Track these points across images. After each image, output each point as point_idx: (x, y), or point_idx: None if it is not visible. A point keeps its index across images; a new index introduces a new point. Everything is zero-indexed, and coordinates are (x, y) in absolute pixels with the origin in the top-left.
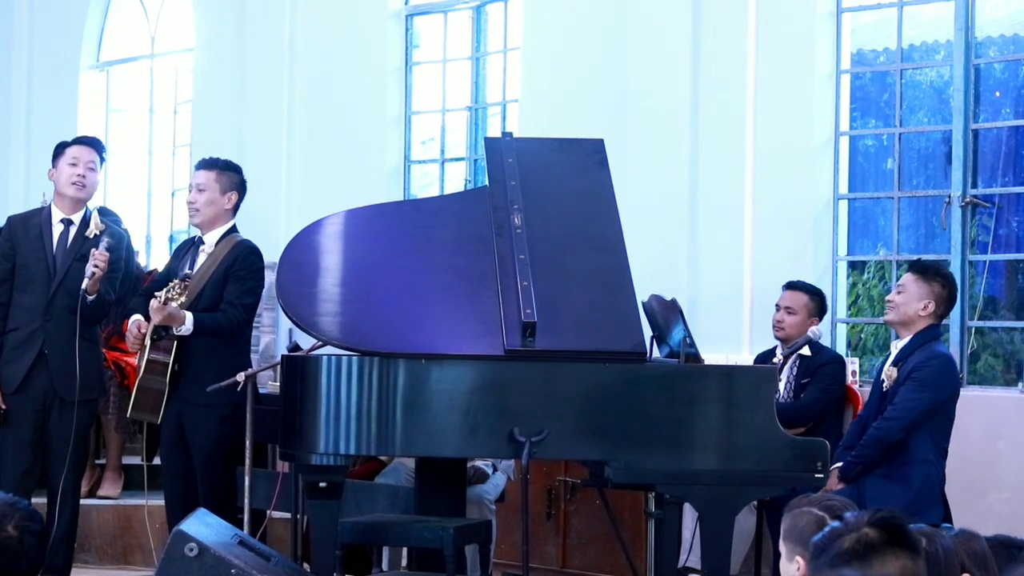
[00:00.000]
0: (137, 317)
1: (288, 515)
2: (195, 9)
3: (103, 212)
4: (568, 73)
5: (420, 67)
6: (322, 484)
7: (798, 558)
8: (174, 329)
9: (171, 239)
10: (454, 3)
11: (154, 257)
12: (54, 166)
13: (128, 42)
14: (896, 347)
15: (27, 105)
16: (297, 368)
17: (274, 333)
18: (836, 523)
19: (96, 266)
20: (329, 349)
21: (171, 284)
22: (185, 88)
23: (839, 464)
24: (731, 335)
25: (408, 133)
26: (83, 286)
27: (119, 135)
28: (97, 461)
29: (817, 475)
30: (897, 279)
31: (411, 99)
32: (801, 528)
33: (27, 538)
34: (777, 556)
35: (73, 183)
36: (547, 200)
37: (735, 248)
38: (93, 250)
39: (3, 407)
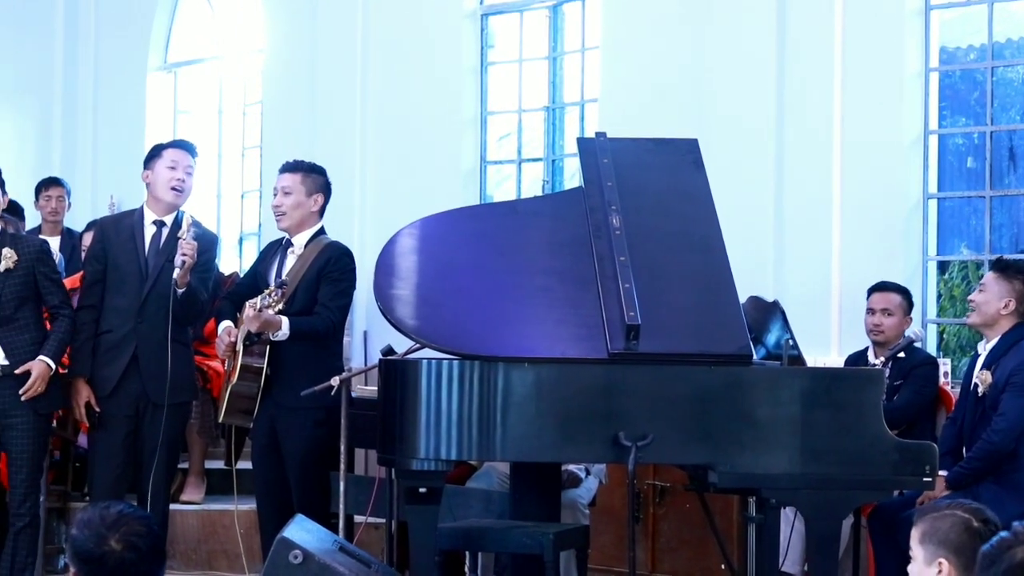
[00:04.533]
0: (227, 324)
1: (380, 520)
2: (266, 10)
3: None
4: (648, 72)
5: (496, 67)
6: (422, 490)
7: (942, 561)
8: (269, 334)
9: (240, 241)
10: (530, 2)
11: (225, 260)
12: (148, 168)
13: (195, 43)
14: (985, 349)
15: (94, 107)
16: (396, 372)
17: (350, 336)
18: (1005, 534)
19: (185, 255)
20: (427, 352)
21: (267, 291)
22: (254, 89)
23: (944, 472)
24: (819, 337)
25: (484, 134)
26: (174, 277)
27: (187, 137)
28: (180, 466)
29: (925, 479)
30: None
31: (487, 99)
32: (945, 531)
33: (128, 554)
34: (880, 560)
35: (173, 187)
36: (644, 201)
37: (823, 249)
38: (181, 241)
39: (97, 411)
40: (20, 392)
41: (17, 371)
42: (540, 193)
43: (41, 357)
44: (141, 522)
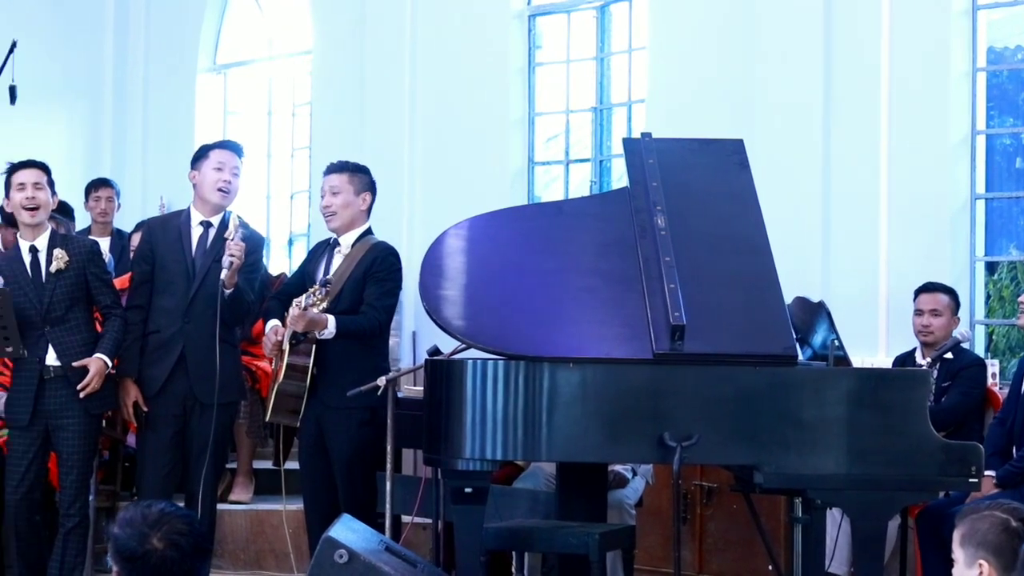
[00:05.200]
0: (274, 323)
1: (426, 520)
2: (313, 11)
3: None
4: (695, 72)
5: (543, 68)
6: (467, 490)
7: (982, 562)
8: (316, 333)
9: (290, 242)
10: (577, 3)
11: (274, 260)
12: (195, 169)
13: (245, 45)
14: None
15: (144, 108)
16: (442, 372)
17: (398, 336)
18: None
19: (232, 255)
20: (473, 352)
21: (311, 290)
22: (303, 90)
23: (991, 472)
24: (867, 337)
25: (531, 134)
26: (221, 277)
27: (236, 138)
28: (228, 466)
29: (971, 480)
30: None
31: (534, 100)
32: (984, 532)
33: (171, 552)
34: (927, 561)
35: (219, 189)
36: (690, 201)
37: (870, 249)
38: (228, 241)
39: (145, 410)
40: (78, 387)
41: (75, 364)
42: (587, 194)
43: (98, 355)
44: (183, 520)
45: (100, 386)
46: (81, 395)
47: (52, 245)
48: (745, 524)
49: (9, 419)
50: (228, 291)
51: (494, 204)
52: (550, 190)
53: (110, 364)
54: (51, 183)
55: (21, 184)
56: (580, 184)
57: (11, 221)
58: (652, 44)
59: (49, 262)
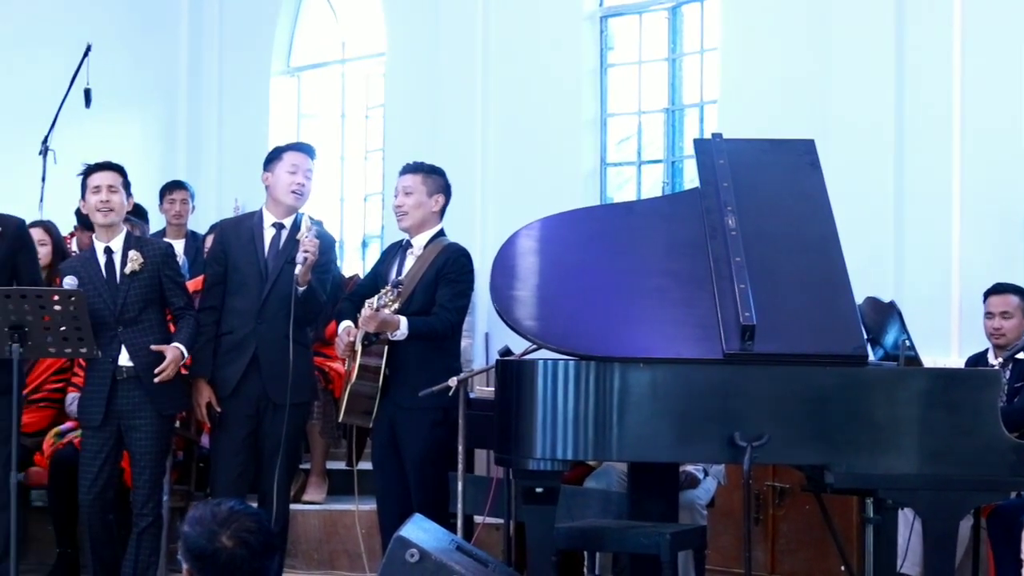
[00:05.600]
0: (347, 324)
1: (498, 520)
2: (387, 14)
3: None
4: (767, 73)
5: (615, 69)
6: (538, 489)
7: None
8: (388, 334)
9: (364, 243)
10: (649, 4)
11: (347, 262)
12: (268, 171)
13: (318, 47)
14: None
15: (218, 111)
16: (513, 372)
17: (471, 338)
18: None
19: (307, 251)
20: (543, 353)
21: (383, 291)
22: (376, 92)
23: None
24: (940, 337)
25: (604, 135)
26: (295, 273)
27: (310, 140)
28: (301, 466)
29: None
30: None
31: (606, 101)
32: None
33: (240, 550)
34: (1000, 561)
35: (293, 191)
36: (760, 202)
37: (942, 249)
38: (303, 238)
39: (218, 411)
40: (155, 372)
41: (153, 347)
42: (659, 195)
43: (175, 344)
44: (252, 519)
45: (174, 375)
46: (156, 379)
47: (127, 247)
48: (817, 525)
49: (82, 419)
50: (301, 288)
51: (566, 206)
52: (622, 191)
53: (186, 354)
54: (127, 185)
55: (96, 186)
56: (652, 185)
57: (86, 224)
58: (724, 44)
59: (124, 264)
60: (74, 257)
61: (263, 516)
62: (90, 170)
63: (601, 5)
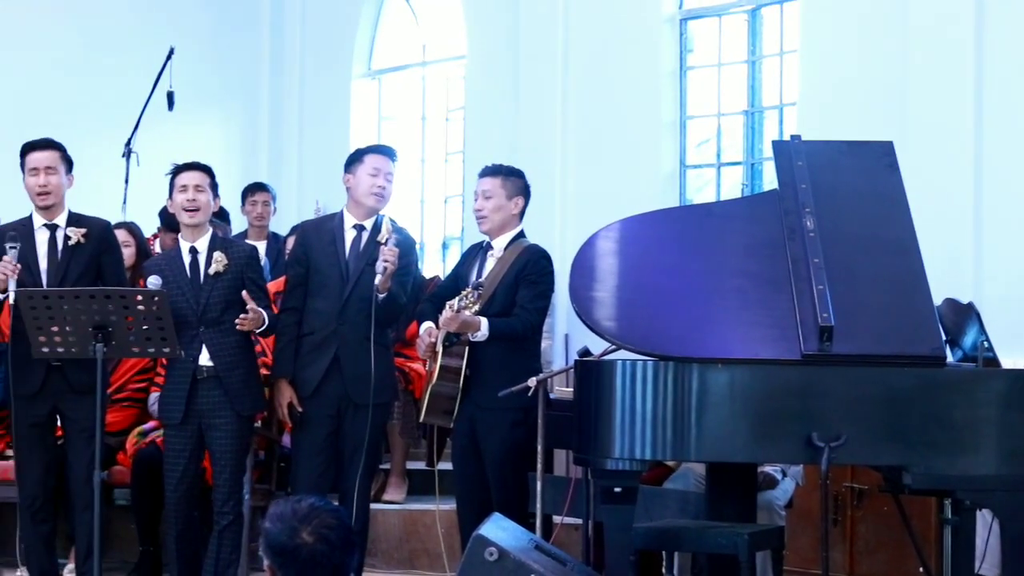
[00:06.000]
0: (428, 325)
1: (577, 521)
2: (467, 17)
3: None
4: (847, 75)
5: (695, 71)
6: (617, 489)
7: None
8: (469, 335)
9: (444, 246)
10: (728, 6)
11: (428, 264)
12: (350, 172)
13: (399, 50)
14: None
15: (299, 113)
16: (591, 373)
17: (551, 339)
18: None
19: (387, 261)
20: (622, 353)
21: (464, 293)
22: (457, 95)
23: None
24: (1018, 339)
25: (683, 137)
26: (375, 282)
27: (390, 143)
28: (381, 466)
29: None
30: None
31: (686, 103)
32: None
33: (320, 546)
34: None
35: (374, 193)
36: (838, 203)
37: (1022, 250)
38: (382, 247)
39: (299, 411)
40: (235, 321)
41: (244, 294)
42: (738, 197)
43: (261, 308)
44: (332, 515)
45: (251, 327)
46: (235, 322)
47: (212, 248)
48: (896, 526)
49: (163, 417)
50: (381, 295)
51: (645, 207)
52: (702, 194)
53: (266, 321)
54: (214, 186)
55: (184, 186)
56: (732, 187)
57: (170, 225)
58: (803, 47)
59: (208, 264)
60: (159, 256)
61: (343, 512)
62: (178, 169)
63: (681, 7)
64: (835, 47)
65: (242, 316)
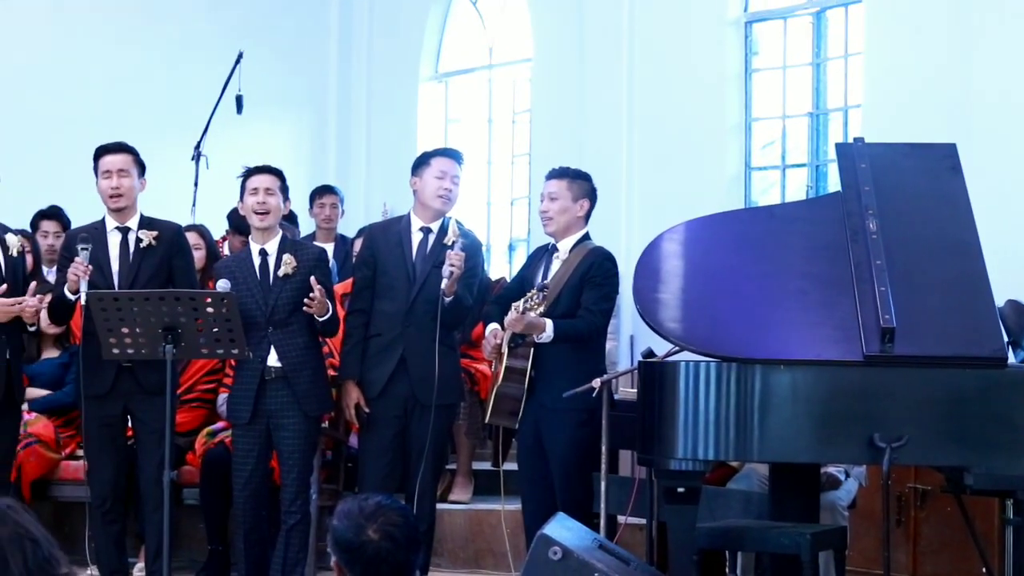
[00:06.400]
0: (494, 326)
1: (641, 520)
2: (533, 19)
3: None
4: (912, 77)
5: (760, 73)
6: (680, 489)
7: None
8: (534, 336)
9: (510, 248)
10: (794, 9)
11: (494, 266)
12: (416, 175)
13: (465, 53)
14: None
15: (367, 116)
16: (655, 374)
17: (616, 340)
18: None
19: (453, 265)
20: (686, 354)
21: (529, 295)
22: (523, 97)
23: None
24: None
25: (748, 140)
26: (441, 287)
27: (457, 145)
28: (448, 466)
29: None
30: None
31: (751, 106)
32: None
33: (385, 543)
34: None
35: (440, 196)
36: (901, 205)
37: None
38: (449, 251)
39: (366, 411)
40: (303, 301)
41: (313, 280)
42: (803, 198)
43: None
44: (398, 513)
45: (318, 312)
46: (304, 306)
47: (282, 250)
48: (959, 527)
49: (231, 417)
50: (448, 299)
51: (711, 209)
52: (767, 196)
53: (330, 310)
54: (284, 189)
55: (255, 188)
56: (797, 189)
57: (238, 227)
58: (868, 49)
59: (278, 266)
60: (229, 257)
61: (408, 511)
62: (249, 173)
63: (746, 10)
64: (900, 49)
65: (309, 297)
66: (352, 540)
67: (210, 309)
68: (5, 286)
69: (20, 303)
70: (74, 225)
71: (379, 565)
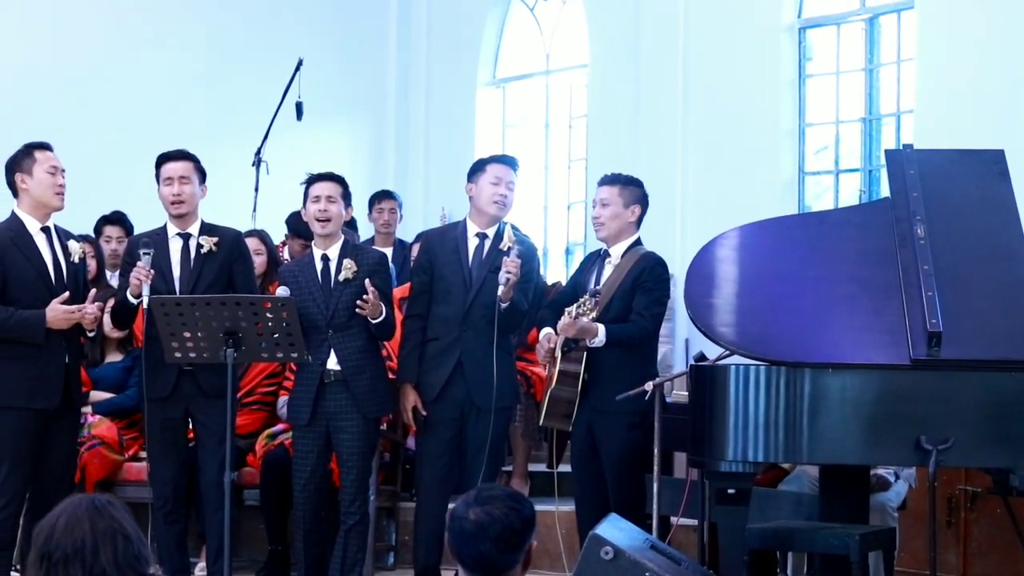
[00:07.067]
0: (547, 331)
1: (693, 522)
2: (589, 25)
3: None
4: (964, 83)
5: (813, 79)
6: (730, 491)
7: None
8: (587, 341)
9: (567, 252)
10: (847, 15)
11: (551, 270)
12: (472, 182)
13: (523, 59)
14: None
15: (425, 122)
16: (706, 377)
17: (670, 343)
18: None
19: (509, 272)
20: (736, 358)
21: (582, 300)
22: (580, 103)
23: None
24: None
25: (802, 145)
26: (498, 293)
27: (515, 150)
28: (504, 468)
29: None
30: None
31: (804, 111)
32: None
33: (471, 528)
34: None
35: (495, 202)
36: (949, 211)
37: None
38: (505, 258)
39: (424, 414)
40: (356, 303)
41: (368, 284)
42: (857, 203)
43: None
44: (506, 507)
45: (372, 314)
46: (356, 304)
47: (343, 255)
48: (1009, 528)
49: (291, 419)
50: (504, 305)
51: (765, 214)
52: (820, 200)
53: (384, 312)
54: (346, 196)
55: (317, 196)
56: (850, 194)
57: (297, 231)
58: (921, 55)
59: (339, 271)
60: (292, 262)
61: (523, 513)
62: (312, 180)
63: (799, 16)
64: (952, 55)
65: (362, 298)
66: (454, 513)
67: (270, 314)
68: (68, 293)
69: (80, 310)
70: (137, 231)
71: (462, 546)
